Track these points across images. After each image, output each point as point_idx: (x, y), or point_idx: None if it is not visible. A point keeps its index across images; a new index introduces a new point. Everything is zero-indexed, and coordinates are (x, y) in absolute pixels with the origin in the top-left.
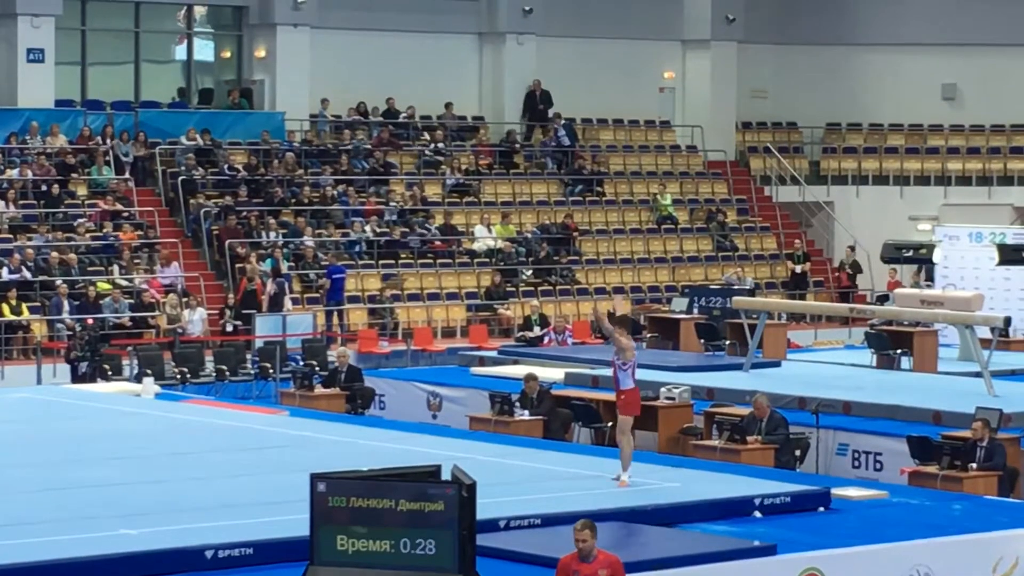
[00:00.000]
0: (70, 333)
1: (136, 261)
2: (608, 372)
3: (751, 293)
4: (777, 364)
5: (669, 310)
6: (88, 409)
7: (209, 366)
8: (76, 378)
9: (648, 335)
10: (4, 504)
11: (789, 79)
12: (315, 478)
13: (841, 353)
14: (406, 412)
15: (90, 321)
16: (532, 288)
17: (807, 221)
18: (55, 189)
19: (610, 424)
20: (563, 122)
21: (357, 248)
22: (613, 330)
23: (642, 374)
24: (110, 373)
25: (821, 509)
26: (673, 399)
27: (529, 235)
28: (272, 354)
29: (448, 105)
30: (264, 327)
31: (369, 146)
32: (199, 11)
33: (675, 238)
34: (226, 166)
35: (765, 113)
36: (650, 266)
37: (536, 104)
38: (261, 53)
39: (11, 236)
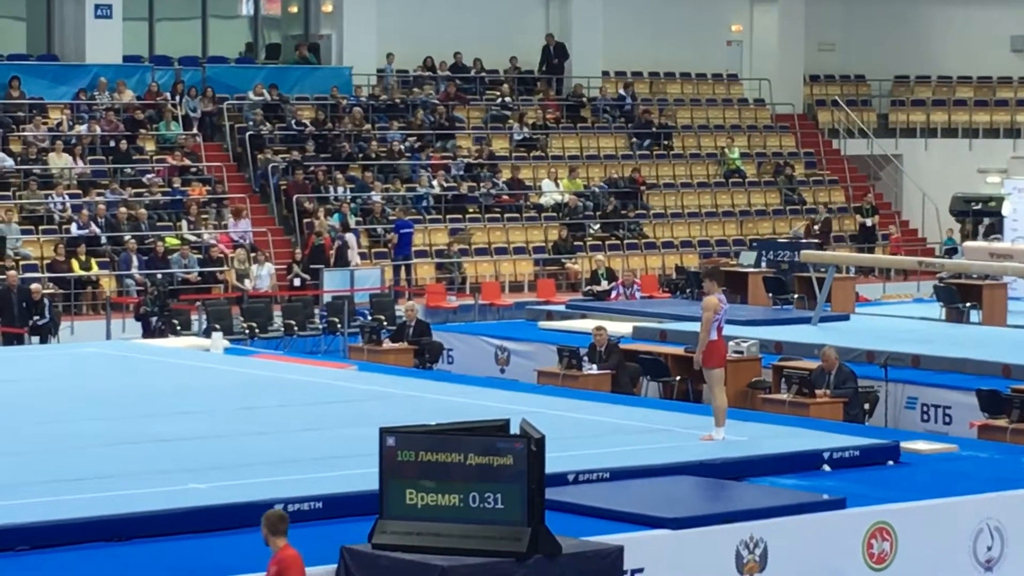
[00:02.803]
0: (140, 288)
1: (204, 216)
2: (675, 326)
3: (819, 247)
4: (846, 318)
5: (737, 264)
6: (157, 364)
7: (277, 321)
8: (147, 333)
9: None
10: (74, 459)
11: (857, 31)
12: (384, 432)
13: (910, 307)
14: (474, 366)
15: (159, 276)
16: (599, 242)
17: (875, 174)
18: (123, 145)
19: (678, 378)
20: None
21: (424, 203)
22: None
23: None
24: (179, 328)
25: (890, 463)
26: (741, 353)
27: (596, 189)
28: (340, 309)
29: (513, 59)
30: (332, 282)
31: (436, 100)
32: None
33: (743, 192)
34: (293, 121)
35: (833, 66)
36: (718, 220)
37: (551, 58)
38: (328, 8)
39: (80, 192)
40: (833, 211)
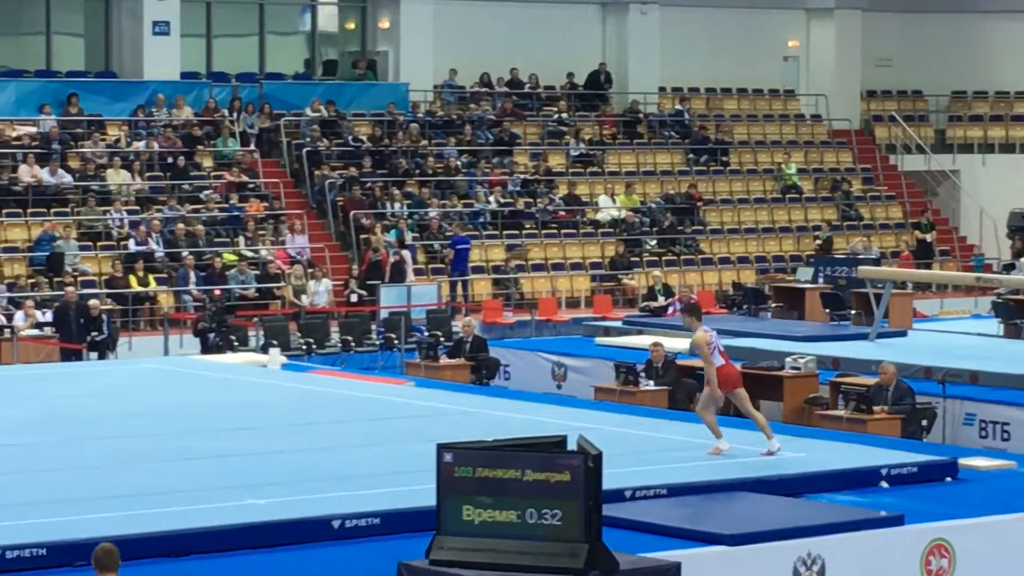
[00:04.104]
0: (197, 304)
1: (261, 232)
2: (733, 342)
3: (876, 262)
4: (903, 334)
5: (794, 280)
6: (214, 380)
7: (334, 337)
8: (205, 349)
9: (773, 305)
10: (133, 474)
11: (914, 47)
12: (442, 448)
13: (968, 323)
14: (531, 382)
15: (217, 293)
16: (656, 258)
17: (932, 190)
18: (181, 161)
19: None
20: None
21: (481, 219)
22: (705, 356)
23: (768, 344)
24: (236, 344)
25: (948, 479)
26: (798, 369)
27: (653, 205)
28: (397, 325)
29: (570, 75)
30: (389, 298)
31: (493, 116)
32: None
33: (800, 207)
34: (350, 137)
35: (890, 81)
36: (774, 235)
37: (600, 84)
38: (385, 24)
39: (138, 208)
40: (890, 226)
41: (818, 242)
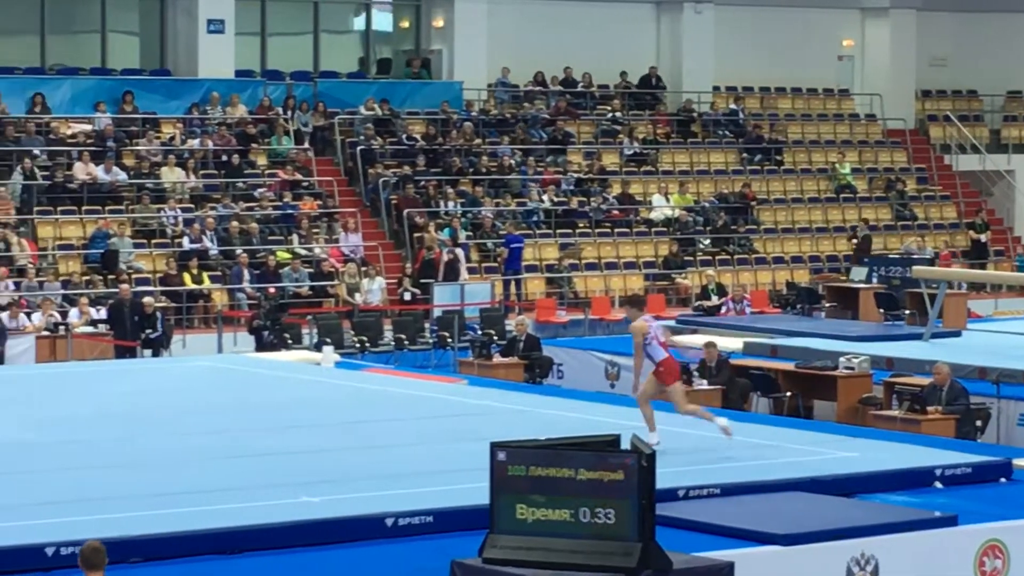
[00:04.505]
0: (251, 302)
1: (315, 231)
2: (786, 342)
3: (931, 262)
4: (957, 334)
5: (848, 280)
6: (268, 378)
7: (388, 335)
8: (260, 347)
9: (827, 304)
10: (187, 471)
11: (969, 46)
12: (495, 447)
13: (1022, 323)
14: (584, 381)
15: (272, 291)
16: (710, 257)
17: (987, 190)
18: (235, 159)
19: (788, 394)
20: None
21: (535, 217)
22: (637, 346)
23: (821, 343)
24: (290, 342)
25: (1003, 480)
26: (852, 369)
27: (707, 204)
28: (450, 323)
29: (623, 74)
30: (442, 296)
31: (547, 115)
32: None
33: (854, 207)
34: (404, 136)
35: (945, 81)
36: (829, 235)
37: (652, 87)
38: (439, 23)
39: (192, 206)
40: (944, 226)
41: (855, 241)
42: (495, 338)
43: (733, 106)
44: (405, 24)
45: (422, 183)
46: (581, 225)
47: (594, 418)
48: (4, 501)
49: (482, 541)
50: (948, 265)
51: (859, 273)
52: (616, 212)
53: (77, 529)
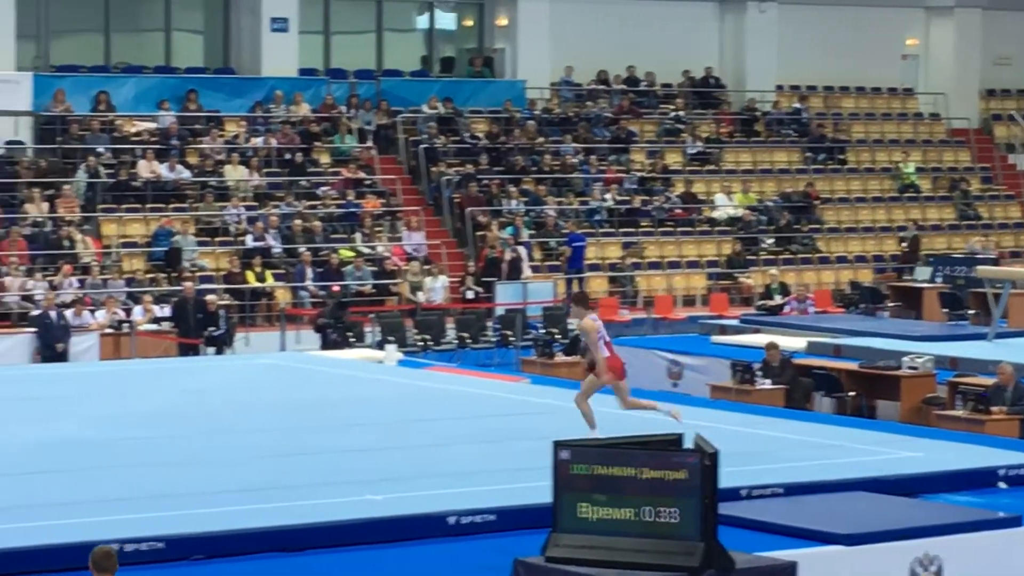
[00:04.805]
0: (314, 300)
1: (378, 229)
2: (850, 341)
3: (995, 262)
4: (1022, 334)
5: (912, 279)
6: (331, 376)
7: (450, 333)
8: (325, 344)
9: (891, 304)
10: (250, 469)
11: None
12: (558, 445)
13: None
14: (646, 380)
15: (336, 288)
16: (773, 257)
17: None
18: (298, 157)
19: (851, 393)
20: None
21: (597, 216)
22: (592, 342)
23: (885, 343)
24: (352, 340)
25: None
26: (916, 369)
27: (770, 203)
28: (513, 322)
29: (686, 72)
30: (505, 295)
31: (610, 114)
32: None
33: (918, 206)
34: (467, 134)
35: (1010, 80)
36: (892, 235)
37: (717, 82)
38: (503, 22)
39: (255, 204)
40: (1008, 226)
41: (904, 244)
42: (557, 337)
43: (797, 105)
44: (468, 23)
45: (485, 182)
46: (644, 224)
47: (656, 417)
48: (66, 498)
49: (545, 540)
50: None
51: (923, 273)
52: (679, 211)
53: (139, 526)
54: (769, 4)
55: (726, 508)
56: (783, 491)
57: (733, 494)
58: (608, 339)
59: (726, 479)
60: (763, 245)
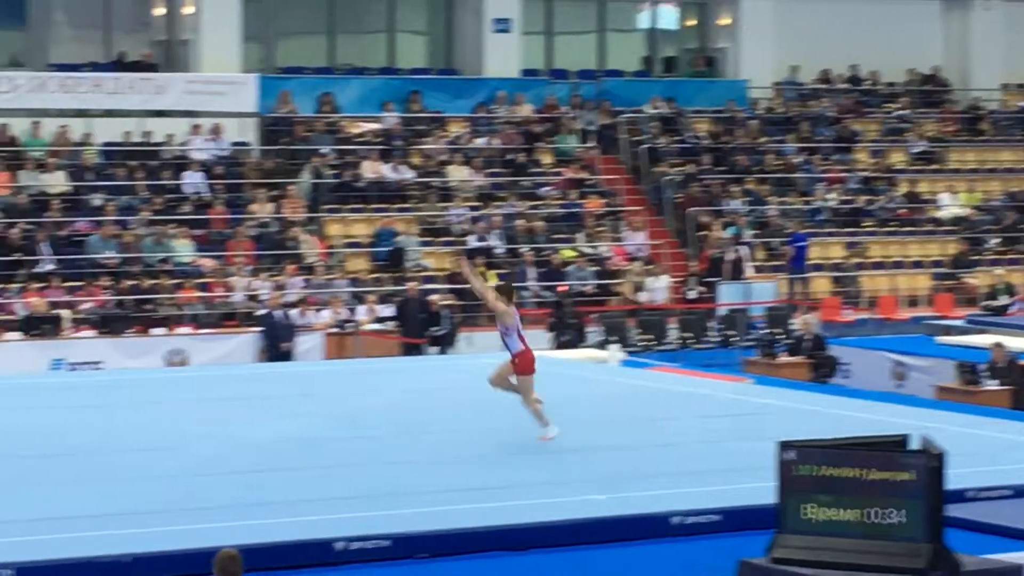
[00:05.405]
0: (538, 300)
1: (600, 229)
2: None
3: None
4: None
5: None
6: (553, 375)
7: (672, 333)
8: (559, 344)
9: None
10: (472, 467)
11: None
12: (784, 446)
13: None
14: (870, 381)
15: (563, 288)
16: (998, 257)
17: None
18: (521, 158)
19: None
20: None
21: (820, 216)
22: (484, 292)
23: None
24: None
25: None
26: None
27: (996, 203)
28: (735, 322)
29: (911, 71)
30: (727, 295)
31: (833, 113)
32: None
33: None
34: (689, 134)
35: None
36: None
37: (936, 84)
38: (725, 21)
39: (479, 204)
40: None
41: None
42: (781, 337)
43: (1022, 104)
44: (691, 22)
45: (707, 182)
46: (867, 224)
47: (881, 418)
48: (293, 496)
49: (769, 541)
50: None
51: None
52: (903, 211)
53: (365, 524)
54: (994, 2)
55: (952, 510)
56: (1011, 493)
57: (959, 496)
58: (523, 333)
59: (952, 480)
60: (988, 245)
